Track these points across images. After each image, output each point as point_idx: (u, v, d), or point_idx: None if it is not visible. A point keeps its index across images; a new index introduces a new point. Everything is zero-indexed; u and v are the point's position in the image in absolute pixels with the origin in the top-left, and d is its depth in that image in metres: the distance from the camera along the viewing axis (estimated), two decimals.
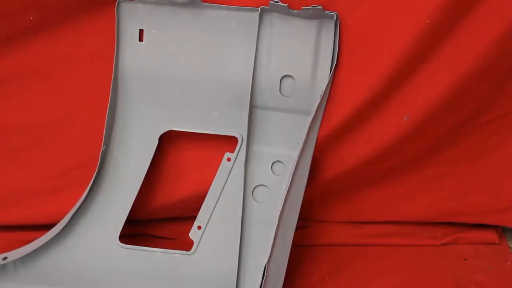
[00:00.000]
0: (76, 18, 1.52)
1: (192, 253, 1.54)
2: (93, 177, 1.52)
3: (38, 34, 1.53)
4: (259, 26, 1.50)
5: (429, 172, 1.68)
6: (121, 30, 1.52)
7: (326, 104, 1.52)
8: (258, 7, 1.48)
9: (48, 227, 1.59)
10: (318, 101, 1.50)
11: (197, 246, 1.54)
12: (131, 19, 1.52)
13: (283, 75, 1.52)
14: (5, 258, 1.52)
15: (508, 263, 1.69)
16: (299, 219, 1.52)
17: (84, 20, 1.52)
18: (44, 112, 1.59)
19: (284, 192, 1.47)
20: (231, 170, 1.54)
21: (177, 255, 1.54)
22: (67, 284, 1.53)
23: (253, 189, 1.55)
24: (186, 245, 1.56)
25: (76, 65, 1.57)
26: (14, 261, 1.52)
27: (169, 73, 1.53)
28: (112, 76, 1.52)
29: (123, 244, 1.54)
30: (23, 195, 1.63)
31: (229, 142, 1.56)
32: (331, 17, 1.47)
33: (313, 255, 1.67)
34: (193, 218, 1.56)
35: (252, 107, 1.53)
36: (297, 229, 1.51)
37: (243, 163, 1.54)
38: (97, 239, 1.54)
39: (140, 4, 1.50)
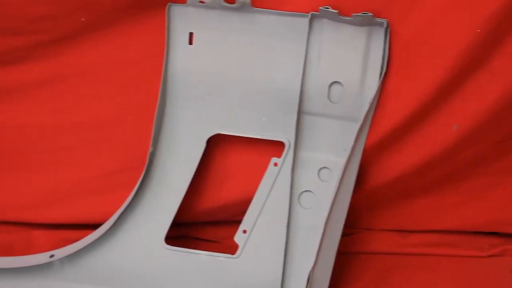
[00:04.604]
0: (127, 21, 1.59)
1: (237, 257, 1.58)
2: (141, 179, 1.58)
3: (88, 36, 1.60)
4: (308, 32, 1.55)
5: (477, 181, 1.70)
6: (171, 33, 1.58)
7: (374, 112, 1.57)
8: (309, 13, 1.53)
9: (94, 226, 1.66)
10: (367, 108, 1.54)
11: (242, 250, 1.58)
12: (181, 22, 1.58)
13: (332, 81, 1.56)
14: (52, 256, 1.59)
15: None
16: (345, 226, 1.55)
17: (134, 23, 1.59)
18: (93, 113, 1.66)
19: (330, 199, 1.51)
20: (277, 175, 1.59)
21: (222, 258, 1.59)
22: (112, 283, 1.59)
23: (299, 195, 1.60)
24: (230, 248, 1.61)
25: (126, 67, 1.63)
26: (61, 259, 1.58)
27: (218, 77, 1.59)
28: (162, 79, 1.59)
29: (168, 246, 1.59)
30: (71, 194, 1.70)
31: (276, 147, 1.61)
32: (381, 24, 1.52)
33: (358, 262, 1.70)
34: (238, 222, 1.61)
35: (300, 112, 1.58)
36: (342, 236, 1.55)
37: (290, 168, 1.58)
38: (143, 240, 1.60)
39: (190, 8, 1.56)
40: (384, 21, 1.51)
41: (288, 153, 1.58)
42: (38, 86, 1.65)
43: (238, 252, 1.59)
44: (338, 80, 1.56)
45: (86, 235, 1.64)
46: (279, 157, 1.59)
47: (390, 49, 1.54)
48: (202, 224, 1.75)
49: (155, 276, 1.59)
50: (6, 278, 1.58)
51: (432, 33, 1.52)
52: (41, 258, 1.60)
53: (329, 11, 1.51)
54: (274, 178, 1.59)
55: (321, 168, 1.59)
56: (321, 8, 1.51)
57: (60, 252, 1.59)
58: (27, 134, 1.68)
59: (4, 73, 1.64)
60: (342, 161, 1.54)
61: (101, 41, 1.61)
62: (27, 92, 1.66)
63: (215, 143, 1.63)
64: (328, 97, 1.57)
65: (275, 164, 1.59)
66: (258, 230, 1.58)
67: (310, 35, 1.55)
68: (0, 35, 1.59)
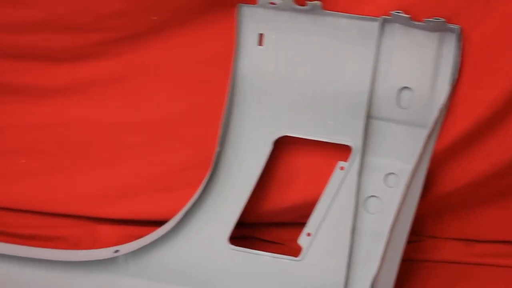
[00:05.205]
0: (197, 21, 1.60)
1: (300, 260, 1.59)
2: (207, 178, 1.60)
3: (159, 35, 1.63)
4: (379, 36, 1.54)
5: None
6: (241, 34, 1.59)
7: (443, 118, 1.56)
8: (380, 17, 1.53)
9: (158, 223, 1.68)
10: (436, 114, 1.53)
11: (305, 253, 1.59)
12: (251, 23, 1.59)
13: (402, 86, 1.56)
14: (117, 251, 1.62)
15: None
16: (410, 233, 1.55)
17: (204, 23, 1.60)
18: (161, 111, 1.69)
19: (396, 205, 1.50)
20: (343, 179, 1.59)
21: (285, 260, 1.59)
22: (174, 281, 1.61)
23: (365, 200, 1.60)
24: (293, 251, 1.61)
25: (195, 66, 1.65)
26: (125, 255, 1.61)
27: (287, 79, 1.60)
28: (230, 79, 1.60)
29: (232, 246, 1.60)
30: (136, 190, 1.73)
31: (342, 151, 1.61)
32: (453, 30, 1.51)
33: (422, 270, 1.69)
34: (302, 224, 1.62)
35: (368, 117, 1.58)
36: (407, 243, 1.55)
37: (356, 173, 1.58)
38: (207, 239, 1.61)
39: (261, 9, 1.57)
40: (457, 27, 1.50)
41: (355, 158, 1.58)
42: (107, 83, 1.68)
43: (301, 254, 1.59)
44: (408, 86, 1.55)
45: (150, 231, 1.66)
46: (345, 161, 1.59)
47: (462, 55, 1.53)
48: (266, 225, 1.76)
49: (218, 275, 1.61)
50: (71, 271, 1.62)
51: (505, 40, 1.51)
52: (106, 252, 1.63)
53: (401, 15, 1.50)
54: (340, 182, 1.59)
55: (388, 174, 1.59)
56: (392, 12, 1.51)
57: (125, 248, 1.62)
58: (96, 130, 1.71)
59: (75, 69, 1.67)
60: (409, 167, 1.53)
61: (172, 40, 1.63)
62: (96, 89, 1.69)
63: (282, 145, 1.64)
64: (397, 102, 1.56)
65: (342, 168, 1.59)
66: (323, 233, 1.59)
67: (381, 39, 1.55)
68: (71, 31, 1.62)
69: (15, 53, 1.66)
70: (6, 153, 1.76)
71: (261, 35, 1.60)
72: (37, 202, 1.77)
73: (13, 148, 1.75)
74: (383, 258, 1.49)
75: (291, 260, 1.59)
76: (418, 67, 1.55)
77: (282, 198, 1.69)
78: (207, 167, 1.63)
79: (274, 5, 1.55)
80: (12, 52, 1.65)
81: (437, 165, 1.60)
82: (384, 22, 1.53)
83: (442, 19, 1.49)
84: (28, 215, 1.77)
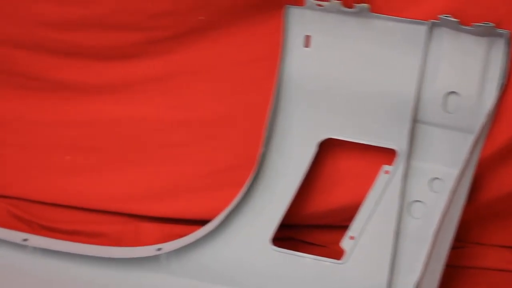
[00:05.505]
0: (243, 21, 1.62)
1: (343, 263, 1.58)
2: (251, 178, 1.61)
3: (205, 34, 1.64)
4: (427, 40, 1.54)
5: None
6: (288, 35, 1.60)
7: (491, 124, 1.55)
8: (428, 21, 1.53)
9: (200, 222, 1.69)
10: (484, 120, 1.52)
11: (348, 256, 1.58)
12: (298, 25, 1.59)
13: (449, 91, 1.55)
14: (159, 249, 1.63)
15: None
16: (454, 239, 1.54)
17: (250, 23, 1.62)
18: (206, 110, 1.70)
19: (441, 210, 1.50)
20: (388, 183, 1.58)
21: (327, 263, 1.59)
22: (215, 280, 1.62)
23: (409, 204, 1.59)
24: (335, 253, 1.61)
25: (240, 67, 1.66)
26: (167, 253, 1.62)
27: (332, 81, 1.60)
28: (276, 80, 1.61)
29: (275, 247, 1.60)
30: (180, 189, 1.74)
31: (386, 154, 1.60)
32: (502, 35, 1.50)
33: (466, 277, 1.68)
34: (344, 227, 1.61)
35: (413, 121, 1.57)
36: (451, 249, 1.54)
37: (401, 177, 1.57)
38: (249, 239, 1.62)
39: (308, 10, 1.57)
40: (505, 32, 1.49)
41: (400, 162, 1.57)
42: (153, 82, 1.70)
43: (344, 258, 1.59)
44: (455, 91, 1.55)
45: (192, 230, 1.67)
46: (389, 164, 1.59)
47: (510, 60, 1.52)
48: (308, 227, 1.76)
49: (259, 276, 1.61)
50: (113, 268, 1.63)
51: None
52: (148, 250, 1.64)
53: (450, 19, 1.49)
54: (385, 186, 1.58)
55: (433, 179, 1.58)
56: (441, 16, 1.50)
57: (167, 246, 1.63)
58: (140, 128, 1.73)
59: (121, 67, 1.69)
60: (455, 172, 1.52)
61: (218, 40, 1.64)
62: (142, 87, 1.70)
63: (326, 147, 1.64)
64: (444, 107, 1.56)
65: (386, 172, 1.59)
66: (366, 237, 1.58)
67: (429, 43, 1.54)
68: (119, 29, 1.64)
69: (62, 50, 1.68)
70: (52, 149, 1.78)
71: (307, 37, 1.60)
72: (80, 198, 1.79)
73: (58, 144, 1.78)
74: (427, 264, 1.48)
75: (333, 263, 1.59)
76: (465, 72, 1.54)
77: (325, 201, 1.69)
78: (249, 167, 1.63)
79: (321, 7, 1.55)
80: (59, 49, 1.68)
81: (483, 171, 1.59)
82: (432, 26, 1.53)
83: (491, 24, 1.48)
84: (72, 211, 1.80)
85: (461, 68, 1.54)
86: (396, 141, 1.58)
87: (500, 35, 1.50)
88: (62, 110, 1.75)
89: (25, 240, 1.67)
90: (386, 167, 1.59)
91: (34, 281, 1.63)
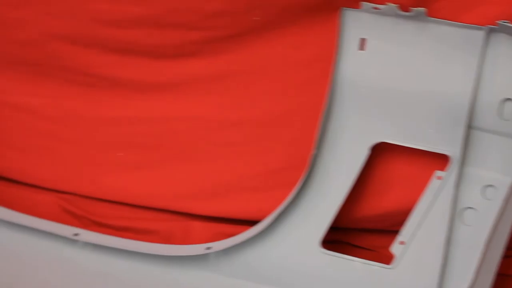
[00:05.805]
0: (298, 22, 1.62)
1: (392, 268, 1.58)
2: (303, 180, 1.61)
3: (260, 35, 1.65)
4: (484, 46, 1.53)
5: None
6: (343, 38, 1.60)
7: None
8: (485, 26, 1.51)
9: (249, 222, 1.71)
10: None
11: (398, 262, 1.57)
12: (353, 27, 1.59)
13: (505, 98, 1.54)
14: (209, 248, 1.64)
15: None
16: (506, 247, 1.53)
17: (306, 25, 1.62)
18: (259, 110, 1.71)
19: (493, 218, 1.49)
20: (440, 189, 1.57)
21: (377, 267, 1.59)
22: (263, 281, 1.62)
23: (461, 211, 1.58)
24: (385, 258, 1.61)
25: (294, 68, 1.67)
26: (217, 252, 1.63)
27: (387, 85, 1.60)
28: (330, 82, 1.61)
29: (324, 250, 1.60)
30: (231, 188, 1.75)
31: (438, 160, 1.59)
32: None
33: None
34: (395, 232, 1.61)
35: (468, 127, 1.56)
36: (502, 257, 1.53)
37: (454, 183, 1.56)
38: (299, 241, 1.62)
39: (364, 13, 1.57)
40: None
41: (453, 168, 1.56)
42: (208, 81, 1.71)
43: (394, 263, 1.58)
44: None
45: (241, 230, 1.68)
46: (441, 170, 1.58)
47: None
48: (358, 231, 1.76)
49: (308, 278, 1.61)
50: (162, 265, 1.65)
51: None
52: (198, 249, 1.65)
53: (508, 25, 1.48)
54: (437, 191, 1.57)
55: (486, 186, 1.57)
56: (499, 22, 1.49)
57: (217, 245, 1.64)
58: (194, 127, 1.74)
59: (177, 66, 1.71)
60: (509, 180, 1.52)
61: (273, 41, 1.65)
62: (197, 86, 1.72)
63: (379, 151, 1.63)
64: (500, 113, 1.54)
65: (439, 178, 1.57)
66: (416, 242, 1.57)
67: (486, 49, 1.53)
68: (175, 28, 1.66)
69: (117, 48, 1.70)
70: (105, 146, 1.81)
71: (363, 40, 1.60)
72: (132, 195, 1.81)
73: (112, 141, 1.80)
74: (478, 272, 1.48)
75: (382, 267, 1.58)
76: None
77: (376, 205, 1.69)
78: (301, 169, 1.64)
79: (377, 10, 1.55)
80: (115, 46, 1.70)
81: None
82: (490, 32, 1.51)
83: None
84: (123, 207, 1.82)
85: None
86: (449, 146, 1.57)
87: None
88: (117, 107, 1.77)
89: (76, 234, 1.69)
90: (438, 173, 1.58)
91: (83, 275, 1.66)
